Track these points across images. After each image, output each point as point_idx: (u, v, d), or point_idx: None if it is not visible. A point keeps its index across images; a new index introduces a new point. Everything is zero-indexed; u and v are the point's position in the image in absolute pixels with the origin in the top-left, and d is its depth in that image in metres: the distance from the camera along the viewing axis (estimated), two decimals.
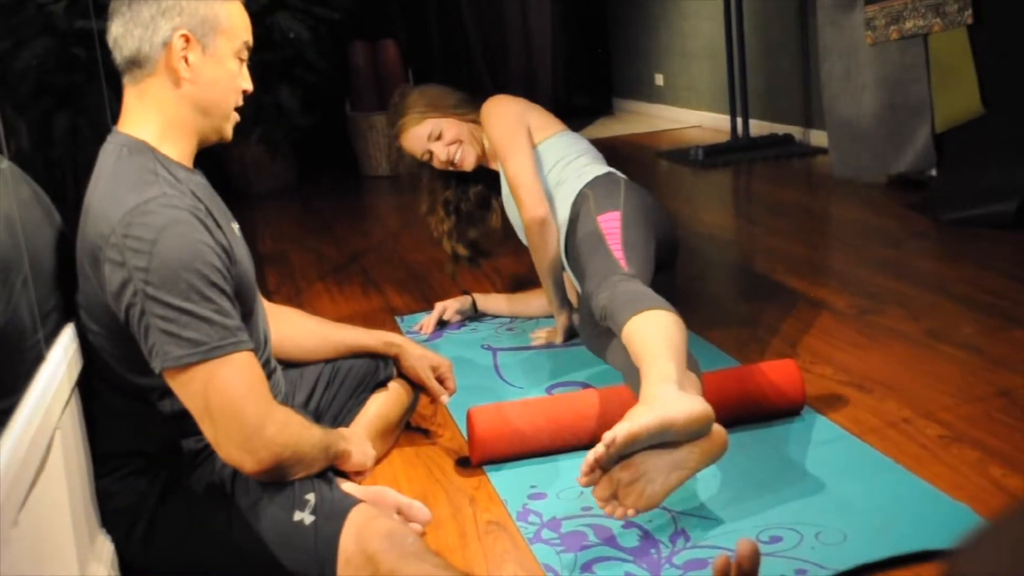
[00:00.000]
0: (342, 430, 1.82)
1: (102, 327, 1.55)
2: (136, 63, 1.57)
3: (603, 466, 1.63)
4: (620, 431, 1.62)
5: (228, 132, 1.66)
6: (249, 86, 1.66)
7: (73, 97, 4.23)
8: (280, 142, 5.38)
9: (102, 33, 1.62)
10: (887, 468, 1.89)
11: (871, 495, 1.80)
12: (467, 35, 6.73)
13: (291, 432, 1.54)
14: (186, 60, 1.56)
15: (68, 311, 1.59)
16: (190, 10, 1.56)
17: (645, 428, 1.63)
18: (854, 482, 1.85)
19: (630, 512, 1.66)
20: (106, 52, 1.62)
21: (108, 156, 1.58)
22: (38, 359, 1.44)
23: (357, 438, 1.81)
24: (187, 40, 1.56)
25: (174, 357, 1.46)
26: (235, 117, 1.67)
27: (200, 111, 1.60)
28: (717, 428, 1.73)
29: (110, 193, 1.51)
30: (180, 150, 1.60)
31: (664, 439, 1.66)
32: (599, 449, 1.61)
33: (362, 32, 5.80)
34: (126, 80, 1.60)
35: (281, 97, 5.14)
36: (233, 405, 1.48)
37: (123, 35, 1.57)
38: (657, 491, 1.67)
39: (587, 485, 1.64)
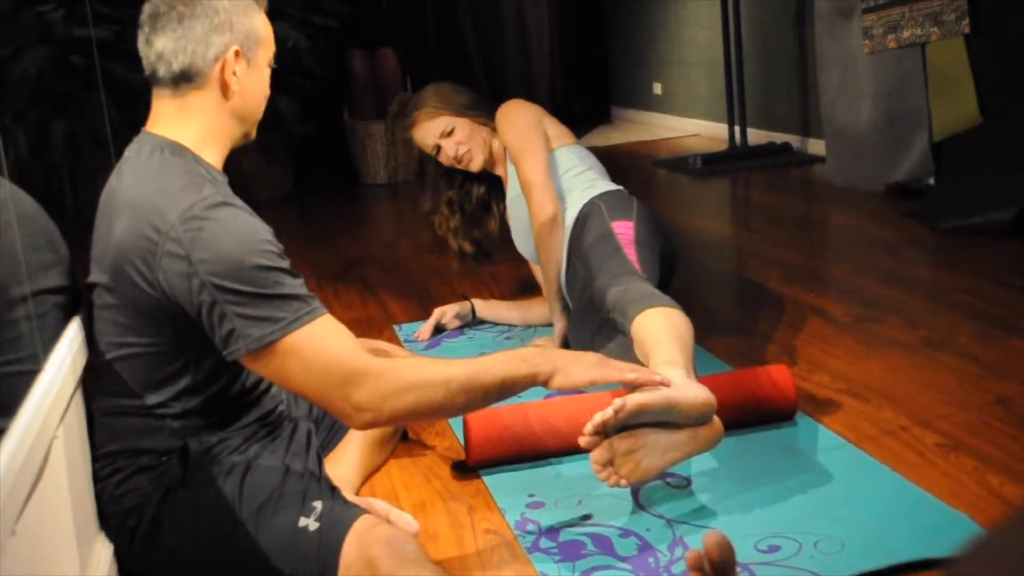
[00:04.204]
0: (525, 350, 1.70)
1: (141, 319, 1.56)
2: (186, 77, 1.60)
3: (607, 431, 1.69)
4: (630, 400, 1.67)
5: (254, 133, 1.74)
6: (268, 91, 1.73)
7: (71, 105, 4.23)
8: (278, 150, 5.38)
9: (100, 41, 1.64)
10: (885, 476, 1.89)
11: (869, 504, 1.80)
12: (465, 43, 6.74)
13: (405, 374, 1.53)
14: (235, 73, 1.61)
15: (66, 317, 1.59)
16: (239, 25, 1.62)
17: (653, 402, 1.69)
18: (852, 491, 1.85)
19: (623, 482, 1.71)
20: (104, 60, 1.63)
21: (146, 154, 1.60)
22: (34, 371, 1.44)
23: (555, 355, 1.68)
24: (237, 55, 1.61)
25: (256, 338, 1.47)
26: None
27: (239, 119, 1.67)
28: (715, 419, 1.79)
29: (161, 189, 1.53)
30: (216, 156, 1.65)
31: (668, 418, 1.73)
32: (607, 412, 1.66)
33: (360, 40, 5.81)
34: (167, 92, 1.62)
35: (279, 105, 5.14)
36: (328, 364, 1.48)
37: (174, 50, 1.59)
38: (652, 465, 1.73)
39: (588, 447, 1.69)
